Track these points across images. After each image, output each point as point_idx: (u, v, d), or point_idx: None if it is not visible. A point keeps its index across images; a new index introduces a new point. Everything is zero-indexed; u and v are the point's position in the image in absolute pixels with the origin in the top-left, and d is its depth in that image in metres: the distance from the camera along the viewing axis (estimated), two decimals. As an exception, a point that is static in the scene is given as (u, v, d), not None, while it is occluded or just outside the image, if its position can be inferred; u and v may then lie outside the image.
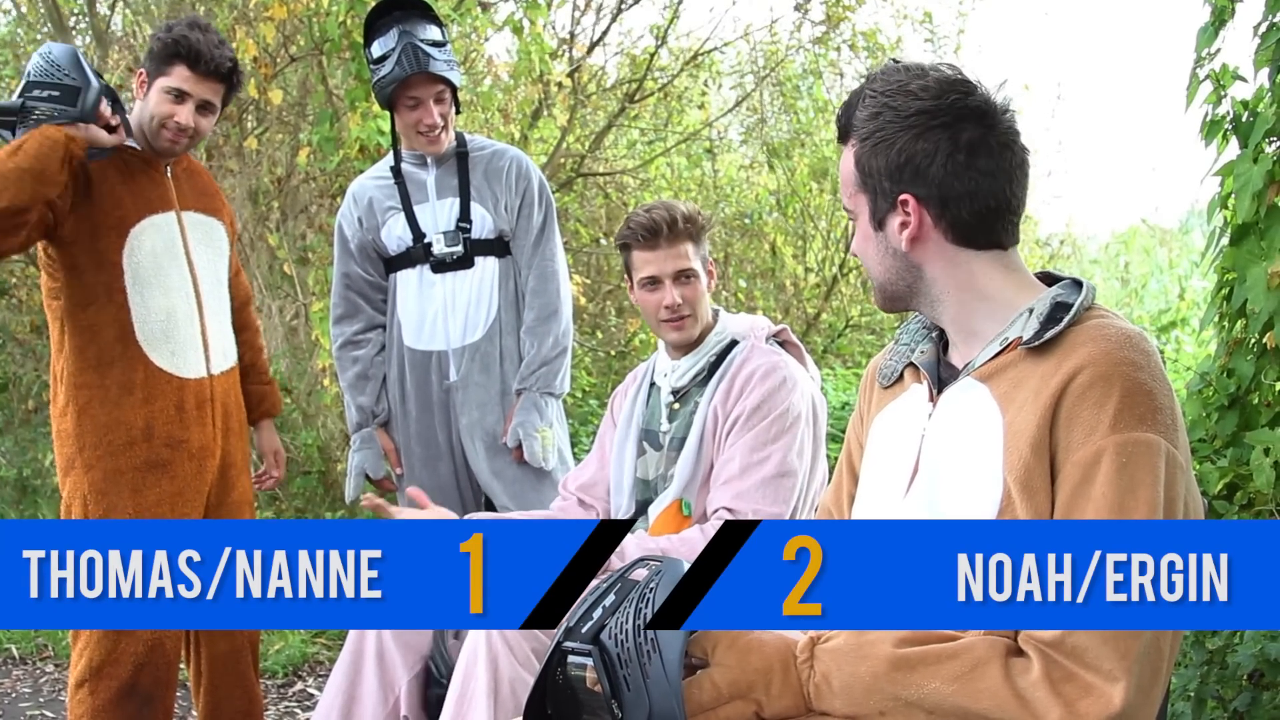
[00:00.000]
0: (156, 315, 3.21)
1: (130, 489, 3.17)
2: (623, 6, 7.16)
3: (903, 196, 1.76)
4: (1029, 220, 8.39)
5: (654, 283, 2.91)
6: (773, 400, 2.80)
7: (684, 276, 2.89)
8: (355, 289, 3.76)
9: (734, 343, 2.94)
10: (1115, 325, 1.69)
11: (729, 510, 2.76)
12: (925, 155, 1.74)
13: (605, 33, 7.26)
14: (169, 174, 3.31)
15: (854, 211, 1.84)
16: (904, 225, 1.77)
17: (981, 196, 1.76)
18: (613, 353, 7.30)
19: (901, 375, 1.96)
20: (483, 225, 3.66)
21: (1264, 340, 3.09)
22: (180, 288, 3.26)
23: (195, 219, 3.35)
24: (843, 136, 1.83)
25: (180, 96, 3.19)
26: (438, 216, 3.66)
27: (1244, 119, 3.11)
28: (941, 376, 1.86)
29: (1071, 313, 1.70)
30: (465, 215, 3.65)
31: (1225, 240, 3.19)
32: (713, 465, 2.86)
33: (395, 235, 3.67)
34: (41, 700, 4.69)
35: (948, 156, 1.74)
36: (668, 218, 2.88)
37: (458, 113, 3.74)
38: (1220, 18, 3.16)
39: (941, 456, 1.76)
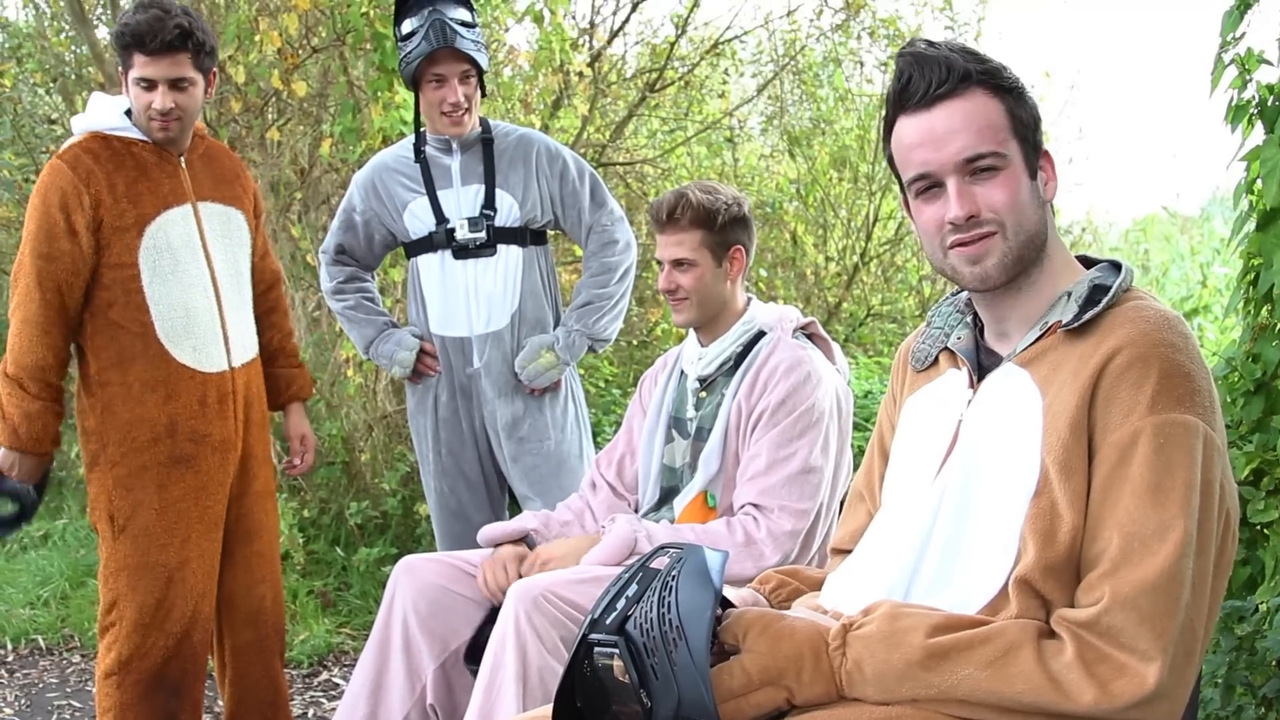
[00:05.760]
0: (176, 311, 3.21)
1: (155, 485, 3.19)
2: (642, -5, 7.14)
3: (1045, 149, 1.79)
4: (1052, 207, 8.34)
5: (660, 265, 2.97)
6: (797, 396, 2.80)
7: (680, 264, 2.92)
8: (349, 259, 3.88)
9: (761, 334, 2.94)
10: (1153, 307, 1.69)
11: (755, 506, 2.77)
12: (1039, 117, 1.80)
13: (625, 22, 7.22)
14: (183, 164, 3.29)
15: (1004, 156, 1.75)
16: (1047, 180, 1.80)
17: None
18: (635, 342, 7.29)
19: (937, 359, 1.96)
20: (508, 213, 3.66)
21: (1291, 325, 3.08)
22: (198, 282, 3.26)
23: (212, 209, 3.33)
24: (969, 82, 1.76)
25: (149, 84, 3.14)
26: (461, 202, 3.67)
27: (1270, 103, 3.09)
28: (982, 363, 1.86)
29: (1110, 294, 1.71)
30: (490, 202, 3.65)
31: (1251, 225, 3.18)
32: (737, 459, 2.86)
33: (417, 219, 3.68)
34: (69, 690, 4.71)
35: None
36: (671, 204, 2.92)
37: (483, 96, 3.74)
38: (1245, 1, 3.14)
39: (980, 441, 1.77)
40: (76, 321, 3.16)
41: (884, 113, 1.86)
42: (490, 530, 3.03)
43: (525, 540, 3.01)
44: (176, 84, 3.15)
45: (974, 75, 1.75)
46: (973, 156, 1.74)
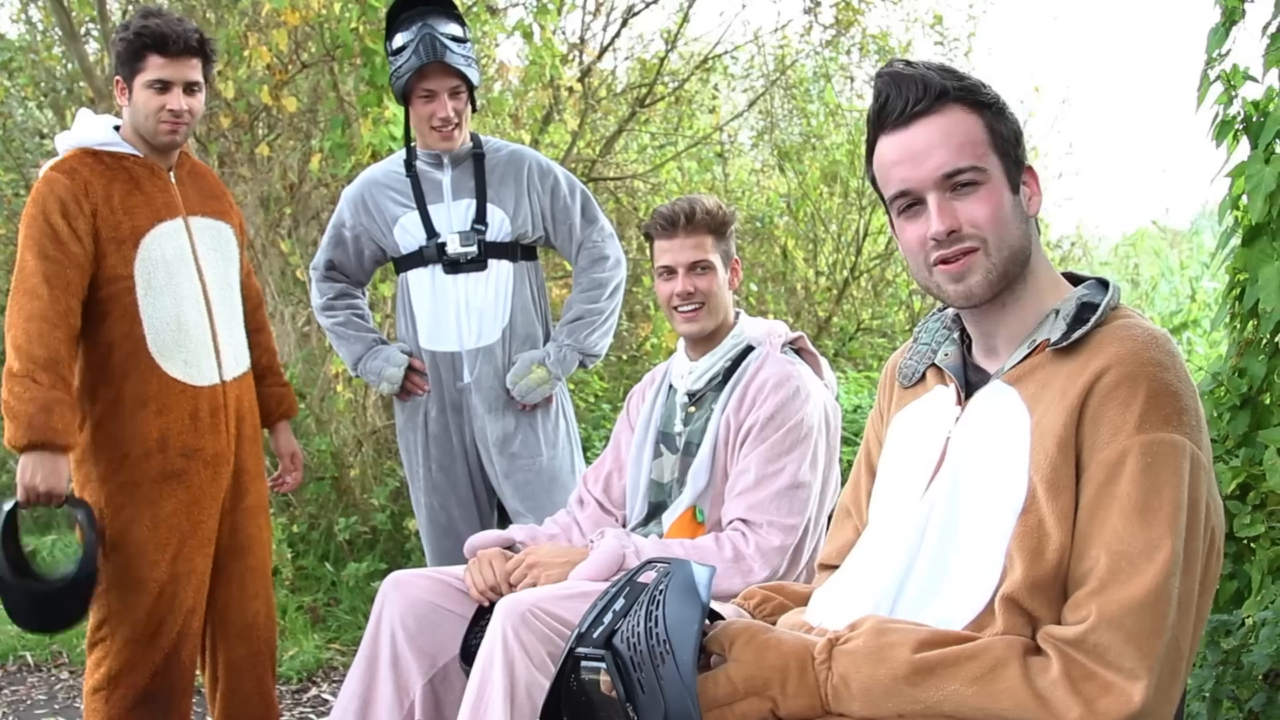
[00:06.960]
0: (168, 325, 3.21)
1: (147, 500, 3.18)
2: (632, 11, 7.17)
3: (1028, 164, 1.80)
4: (1040, 222, 8.37)
5: (669, 272, 2.94)
6: (785, 411, 2.81)
7: (699, 267, 2.91)
8: (339, 275, 3.87)
9: (750, 348, 2.94)
10: (1141, 326, 1.70)
11: (744, 521, 2.77)
12: (1020, 132, 1.81)
13: (615, 37, 7.26)
14: (172, 178, 3.30)
15: (984, 170, 1.75)
16: (1030, 195, 1.81)
17: None
18: (624, 357, 7.29)
19: (924, 376, 1.96)
20: (499, 228, 3.66)
21: (1276, 340, 3.09)
22: (190, 295, 3.26)
23: (203, 224, 3.34)
24: (946, 99, 1.76)
25: (164, 86, 3.17)
26: (453, 217, 3.67)
27: (1255, 119, 3.11)
28: (970, 379, 1.87)
29: (1098, 313, 1.72)
30: (481, 217, 3.66)
31: (1237, 240, 3.19)
32: (725, 474, 2.86)
33: (408, 233, 3.68)
34: (56, 707, 4.70)
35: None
36: (687, 209, 2.90)
37: (474, 111, 3.74)
38: (1230, 18, 3.16)
39: (967, 459, 1.77)
40: (80, 325, 3.12)
41: (866, 134, 1.86)
42: (476, 540, 3.03)
43: (510, 549, 3.00)
44: (190, 87, 3.21)
45: (951, 92, 1.75)
46: (952, 171, 1.74)
